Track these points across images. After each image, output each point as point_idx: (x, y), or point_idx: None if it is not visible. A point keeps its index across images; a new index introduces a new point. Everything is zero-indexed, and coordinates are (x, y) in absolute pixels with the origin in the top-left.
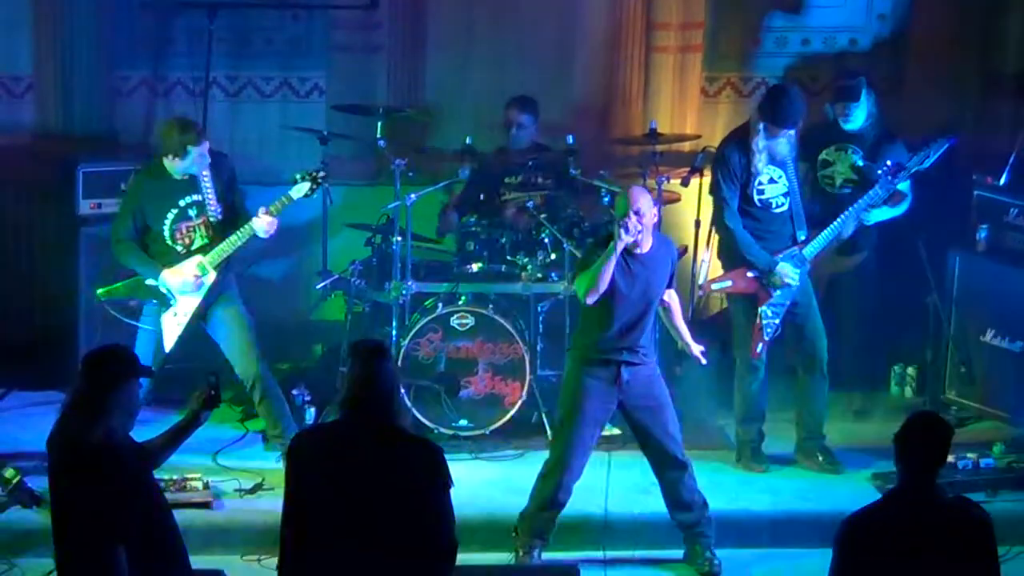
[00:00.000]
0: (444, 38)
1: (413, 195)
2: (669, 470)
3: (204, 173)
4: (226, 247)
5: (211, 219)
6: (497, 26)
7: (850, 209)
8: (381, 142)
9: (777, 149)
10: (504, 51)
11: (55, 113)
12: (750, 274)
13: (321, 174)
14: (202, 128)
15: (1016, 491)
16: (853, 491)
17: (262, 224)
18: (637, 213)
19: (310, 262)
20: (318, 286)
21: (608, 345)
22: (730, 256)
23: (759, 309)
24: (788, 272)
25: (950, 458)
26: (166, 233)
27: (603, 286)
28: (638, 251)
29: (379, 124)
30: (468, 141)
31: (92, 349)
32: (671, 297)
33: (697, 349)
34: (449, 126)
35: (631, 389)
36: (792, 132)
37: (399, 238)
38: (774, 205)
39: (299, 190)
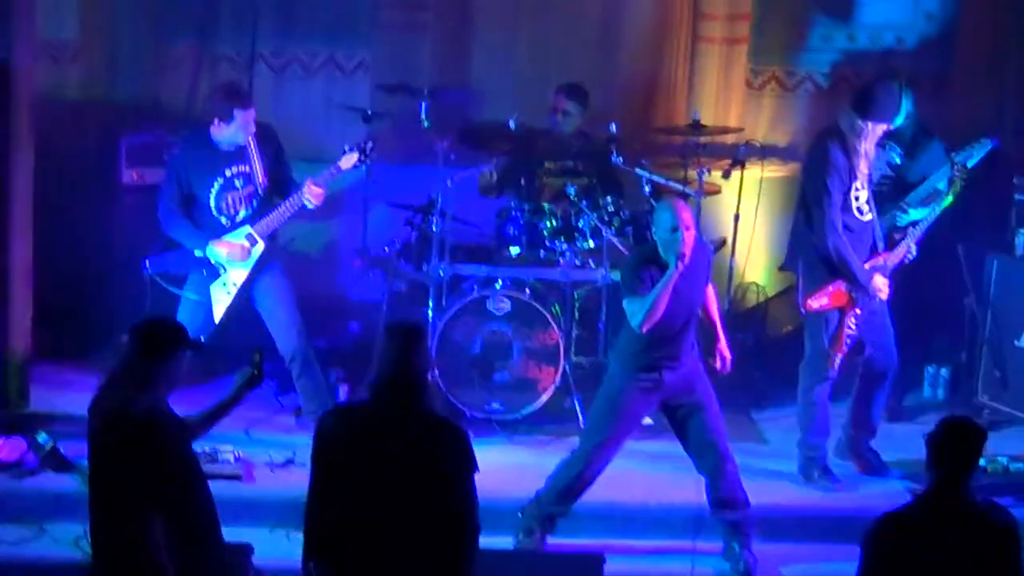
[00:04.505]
0: (490, 20)
1: (455, 176)
2: (711, 468)
3: (251, 143)
4: (275, 218)
5: (257, 190)
6: (543, 10)
7: (927, 216)
8: (425, 122)
9: (873, 150)
10: (550, 35)
11: (100, 81)
12: (844, 288)
13: (369, 145)
14: (250, 96)
15: None
16: (882, 490)
17: (310, 195)
18: (687, 228)
19: (349, 239)
20: (357, 264)
21: (653, 354)
22: (826, 270)
23: (846, 319)
24: (882, 284)
25: (980, 461)
26: (211, 203)
27: (660, 314)
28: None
29: (423, 104)
30: (511, 124)
31: (142, 319)
32: (708, 293)
33: (723, 352)
34: (493, 109)
35: (672, 388)
36: (886, 129)
37: (439, 219)
38: (864, 212)
39: (348, 160)
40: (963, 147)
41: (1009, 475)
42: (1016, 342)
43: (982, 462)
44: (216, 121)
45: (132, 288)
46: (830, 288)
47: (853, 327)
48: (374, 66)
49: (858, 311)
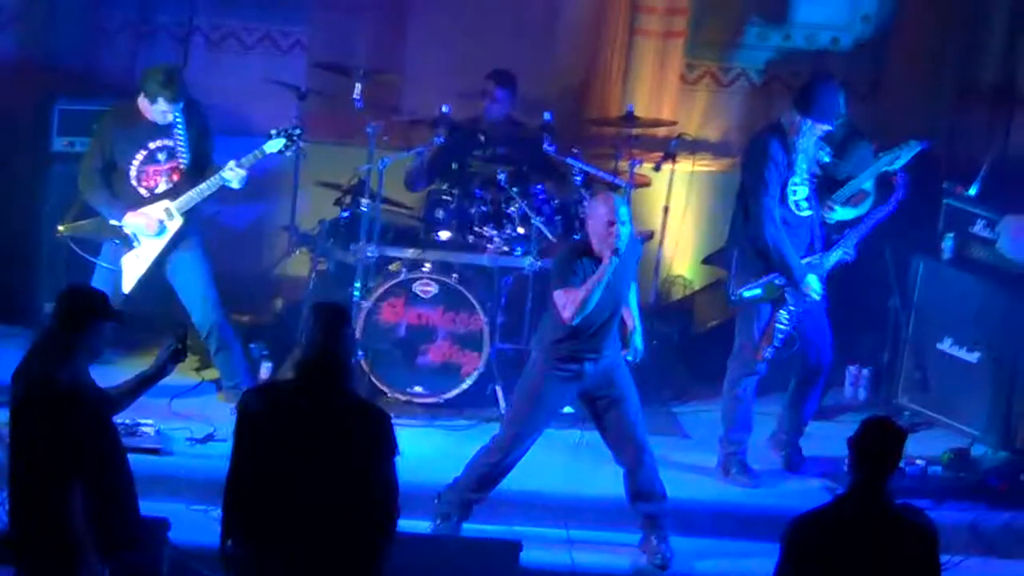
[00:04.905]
0: (427, 5)
1: (386, 158)
2: (630, 460)
3: (177, 119)
4: (194, 195)
5: (180, 166)
6: None
7: (867, 218)
8: (359, 103)
9: (812, 147)
10: (486, 23)
11: (36, 46)
12: (777, 282)
13: (297, 131)
14: (182, 89)
15: (960, 500)
16: (800, 488)
17: (232, 176)
18: (623, 223)
19: (277, 216)
20: (285, 242)
21: (577, 346)
22: (762, 263)
23: (777, 314)
24: (815, 283)
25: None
26: (132, 174)
27: (591, 307)
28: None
29: (358, 85)
30: (445, 110)
31: (66, 288)
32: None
33: (635, 345)
34: (427, 93)
35: (592, 379)
36: (827, 129)
37: (368, 200)
38: (802, 208)
39: (273, 145)
40: (891, 148)
41: (927, 478)
42: (938, 345)
43: (900, 464)
44: (142, 95)
45: (58, 256)
46: (763, 280)
47: (785, 322)
48: (310, 45)
49: (791, 307)
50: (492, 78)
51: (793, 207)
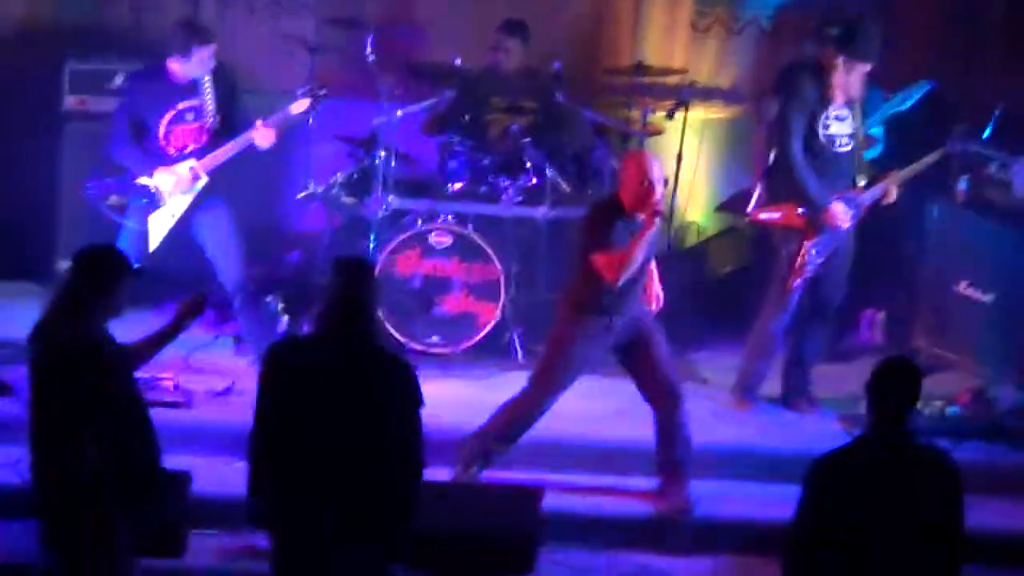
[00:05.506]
0: None
1: (399, 112)
2: (666, 403)
3: (205, 79)
4: (221, 154)
5: (208, 125)
6: None
7: (916, 161)
8: (370, 57)
9: (852, 86)
10: None
11: (44, 6)
12: (800, 210)
13: (322, 92)
14: (209, 31)
15: (979, 440)
16: (818, 431)
17: (261, 136)
18: (659, 181)
19: (291, 170)
20: (299, 195)
21: (608, 299)
22: (785, 188)
23: (806, 244)
24: (841, 212)
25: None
26: (160, 134)
27: (636, 267)
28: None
29: (369, 39)
30: (456, 61)
31: (86, 246)
32: None
33: (657, 292)
34: (438, 45)
35: (621, 331)
36: (868, 68)
37: (383, 153)
38: (838, 143)
39: (299, 106)
40: (900, 89)
41: (945, 419)
42: (954, 287)
43: (918, 405)
44: (175, 55)
45: (72, 214)
46: (783, 205)
47: (816, 253)
48: (317, 5)
49: (822, 240)
50: (503, 29)
51: (824, 140)
